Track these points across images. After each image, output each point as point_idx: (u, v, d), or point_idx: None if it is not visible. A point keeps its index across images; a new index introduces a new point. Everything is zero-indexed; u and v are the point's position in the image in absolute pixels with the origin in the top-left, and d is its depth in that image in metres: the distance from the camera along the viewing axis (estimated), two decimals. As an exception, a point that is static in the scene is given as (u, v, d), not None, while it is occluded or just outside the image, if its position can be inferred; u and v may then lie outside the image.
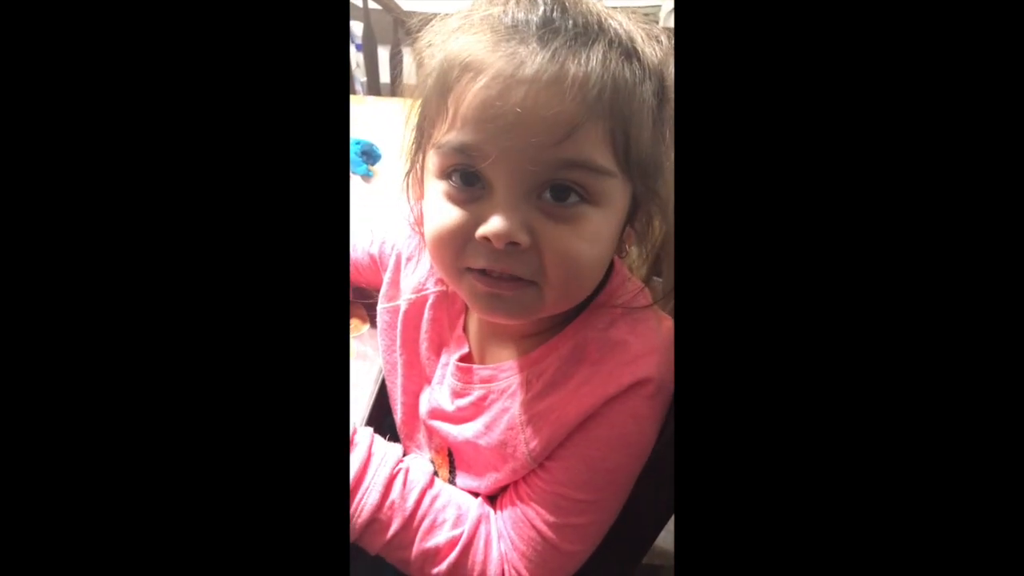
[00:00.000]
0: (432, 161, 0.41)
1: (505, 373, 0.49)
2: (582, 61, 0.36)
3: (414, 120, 0.44)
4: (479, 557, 0.47)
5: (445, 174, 0.40)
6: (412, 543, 0.46)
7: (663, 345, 0.45)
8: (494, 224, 0.38)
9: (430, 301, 0.55)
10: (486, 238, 0.38)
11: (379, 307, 0.59)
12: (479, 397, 0.50)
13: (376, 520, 0.45)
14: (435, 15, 0.43)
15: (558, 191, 0.38)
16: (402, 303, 0.56)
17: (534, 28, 0.37)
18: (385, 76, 1.49)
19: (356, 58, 1.52)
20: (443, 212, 0.41)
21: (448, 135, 0.39)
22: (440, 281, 0.55)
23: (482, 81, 0.37)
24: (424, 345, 0.56)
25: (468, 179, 0.39)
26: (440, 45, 0.41)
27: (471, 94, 0.37)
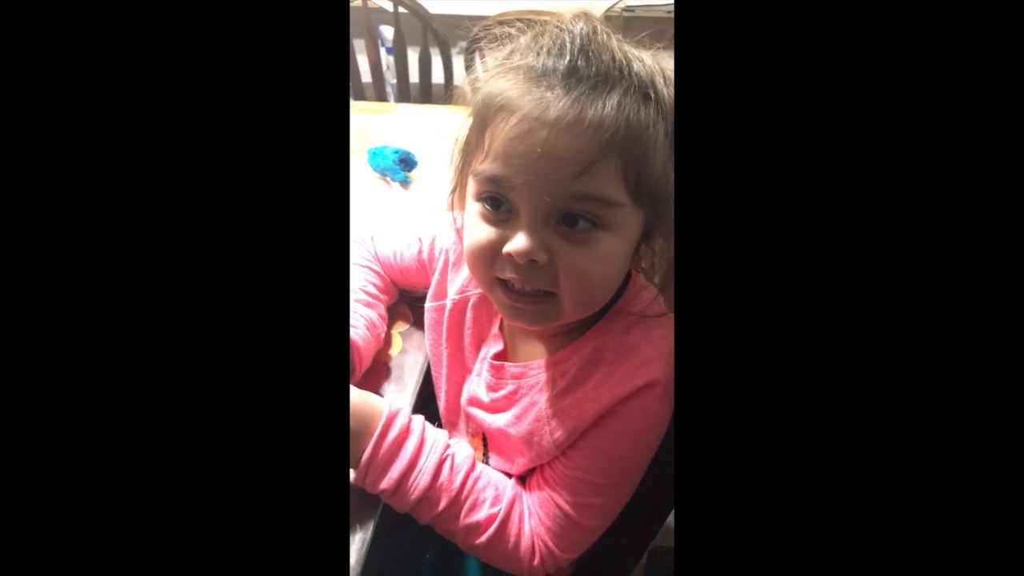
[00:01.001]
0: (471, 185, 0.47)
1: (533, 371, 0.56)
2: (599, 107, 0.41)
3: (460, 146, 0.51)
4: (514, 531, 0.54)
5: (480, 198, 0.47)
6: (458, 517, 0.53)
7: (672, 350, 0.51)
8: (517, 243, 0.44)
9: (472, 302, 0.62)
10: (510, 254, 0.44)
11: (427, 305, 0.66)
12: (511, 391, 0.57)
13: (426, 498, 0.52)
14: (470, 19, 0.50)
15: (571, 219, 0.44)
16: (448, 303, 0.63)
17: (560, 76, 0.42)
18: (414, 77, 1.55)
19: (387, 61, 1.58)
20: (478, 230, 0.47)
21: (483, 165, 0.45)
22: None
23: (512, 121, 0.42)
24: (467, 340, 0.63)
25: (497, 204, 0.45)
26: (484, 83, 0.46)
27: (503, 132, 0.43)
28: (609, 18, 1.65)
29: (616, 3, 1.59)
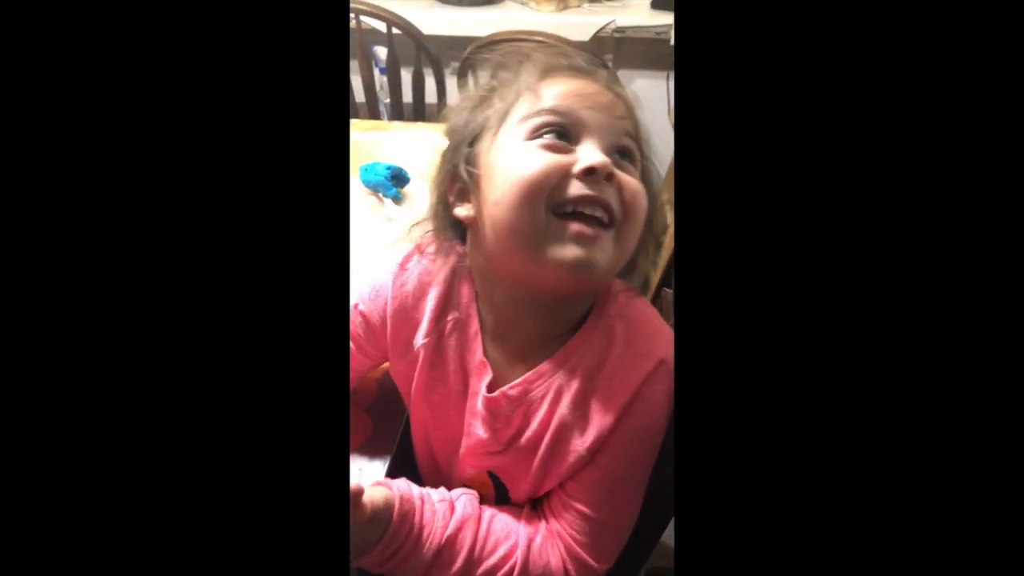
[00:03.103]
0: (521, 130, 0.49)
1: (538, 382, 0.53)
2: (621, 87, 0.52)
3: (488, 115, 0.52)
4: (539, 570, 0.52)
5: (539, 134, 0.48)
6: None
7: (665, 325, 0.53)
8: (593, 156, 0.46)
9: (447, 329, 0.56)
10: (591, 168, 0.46)
11: (393, 369, 0.60)
12: (521, 414, 0.53)
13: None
14: (466, 39, 0.54)
15: (620, 151, 0.49)
16: (419, 348, 0.57)
17: (584, 65, 0.52)
18: (408, 97, 1.57)
19: (380, 81, 1.60)
20: (540, 157, 0.47)
21: (539, 104, 0.49)
22: (456, 307, 0.56)
23: (566, 75, 0.51)
24: (451, 378, 0.57)
25: (560, 135, 0.48)
26: (519, 66, 0.52)
27: (559, 81, 0.50)
28: (600, 39, 1.67)
29: (607, 24, 1.62)
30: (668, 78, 1.61)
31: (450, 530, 0.51)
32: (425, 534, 0.51)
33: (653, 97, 1.55)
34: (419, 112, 1.57)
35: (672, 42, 1.61)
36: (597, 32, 1.61)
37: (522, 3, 1.72)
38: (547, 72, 0.51)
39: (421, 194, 1.00)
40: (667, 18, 1.62)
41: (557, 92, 0.49)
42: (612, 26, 1.62)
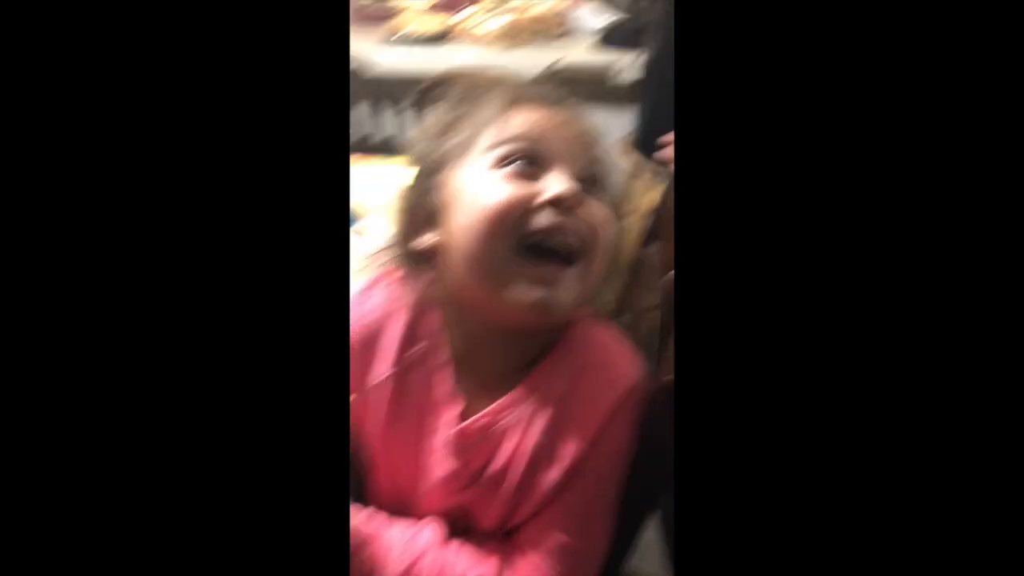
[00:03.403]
0: (487, 158, 0.49)
1: (506, 411, 0.52)
2: (586, 116, 0.54)
3: (448, 143, 0.52)
4: None
5: (505, 162, 0.49)
6: None
7: (631, 349, 0.54)
8: (559, 185, 0.47)
9: (414, 359, 0.54)
10: (558, 198, 0.47)
11: (351, 403, 0.57)
12: (490, 444, 0.52)
13: None
14: (419, 76, 0.54)
15: (586, 180, 0.50)
16: (386, 380, 0.55)
17: (550, 94, 0.54)
18: (358, 134, 1.57)
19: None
20: (504, 187, 0.48)
21: (506, 132, 0.49)
22: (425, 336, 0.55)
23: (533, 103, 0.52)
24: (417, 413, 0.54)
25: (528, 161, 0.49)
26: (483, 95, 0.53)
27: (526, 109, 0.51)
28: (553, 75, 1.72)
29: (555, 62, 1.66)
30: (617, 114, 1.67)
31: (413, 558, 0.50)
32: (386, 563, 0.50)
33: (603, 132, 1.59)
34: (374, 148, 1.58)
35: (619, 79, 1.67)
36: (548, 67, 1.65)
37: (472, 41, 1.76)
38: (514, 100, 0.51)
39: (375, 228, 1.00)
40: (614, 55, 1.68)
41: (523, 120, 0.50)
42: (560, 63, 1.66)
